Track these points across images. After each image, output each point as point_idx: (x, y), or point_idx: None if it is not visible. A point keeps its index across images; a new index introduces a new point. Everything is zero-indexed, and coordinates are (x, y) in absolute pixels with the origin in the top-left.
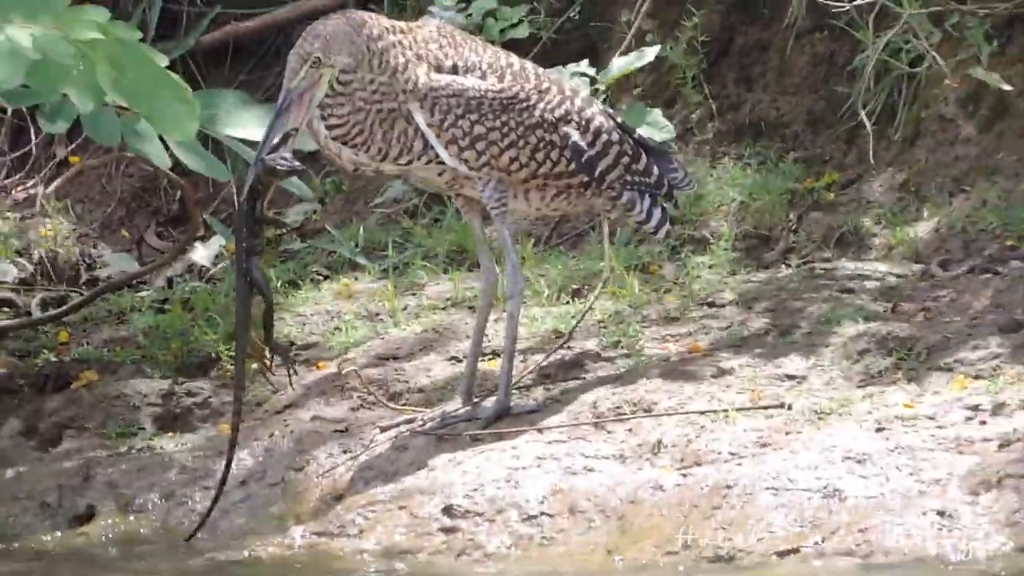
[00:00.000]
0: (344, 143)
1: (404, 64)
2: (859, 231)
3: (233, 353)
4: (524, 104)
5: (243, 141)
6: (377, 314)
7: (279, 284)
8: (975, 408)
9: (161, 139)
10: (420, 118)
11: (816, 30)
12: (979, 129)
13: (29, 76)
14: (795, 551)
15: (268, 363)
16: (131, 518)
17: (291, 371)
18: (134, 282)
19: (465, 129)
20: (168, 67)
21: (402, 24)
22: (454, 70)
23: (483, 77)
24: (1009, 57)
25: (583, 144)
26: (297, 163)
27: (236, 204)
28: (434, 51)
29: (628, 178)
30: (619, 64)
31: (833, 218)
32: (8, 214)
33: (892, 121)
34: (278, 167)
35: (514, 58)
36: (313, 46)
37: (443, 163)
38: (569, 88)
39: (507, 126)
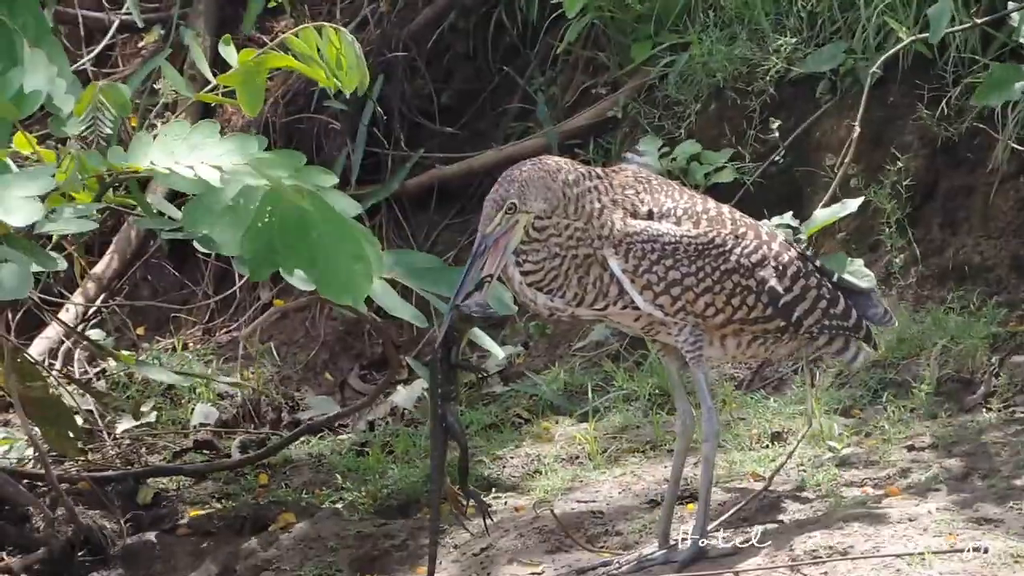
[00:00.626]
0: (539, 289)
1: (600, 210)
2: None
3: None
4: (720, 249)
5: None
6: (576, 457)
7: (480, 428)
8: None
9: None
10: (615, 264)
11: (1020, 174)
12: None
13: (217, 223)
14: None
15: (463, 508)
16: None
17: (486, 516)
18: (336, 425)
19: (660, 275)
20: (373, 208)
21: (598, 169)
22: (649, 216)
23: (679, 223)
24: None
25: (780, 289)
26: (492, 309)
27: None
28: (630, 196)
29: (826, 322)
30: (822, 215)
31: None
32: (211, 357)
33: None
34: (473, 314)
35: (711, 203)
36: (508, 192)
37: (639, 308)
38: (766, 232)
39: (703, 271)
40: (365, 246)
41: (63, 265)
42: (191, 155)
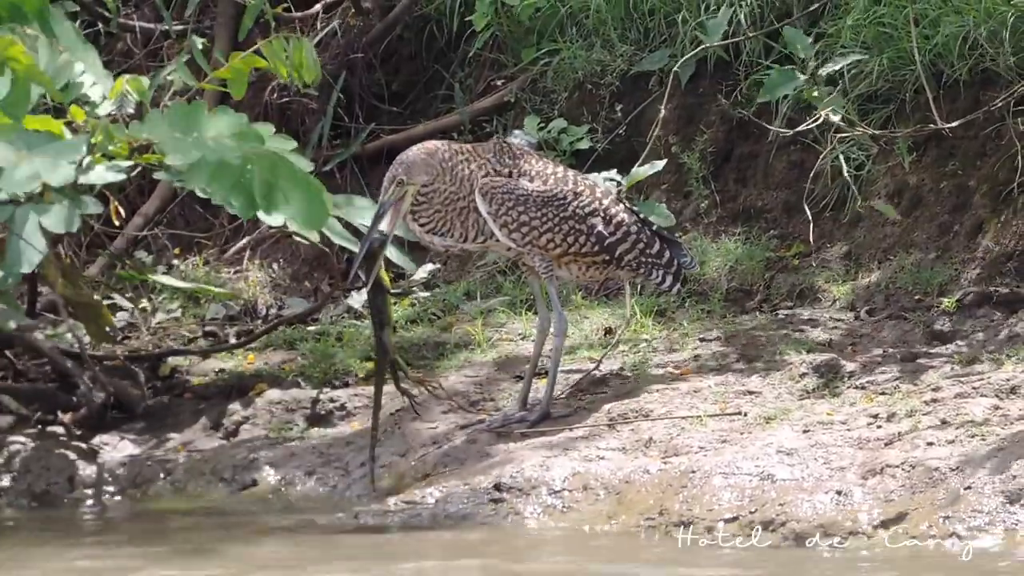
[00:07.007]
0: (434, 233)
1: (469, 173)
2: (814, 288)
3: (366, 374)
4: (560, 201)
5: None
6: (468, 344)
7: (406, 321)
8: (875, 416)
9: None
10: (483, 208)
11: (791, 143)
12: (901, 215)
13: (211, 179)
14: (736, 519)
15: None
16: (282, 488)
17: (412, 401)
18: (308, 319)
19: (514, 217)
20: (341, 164)
21: (465, 146)
22: (510, 175)
23: (532, 181)
24: (924, 164)
25: (606, 232)
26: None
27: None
28: (493, 162)
29: (643, 259)
30: (637, 172)
31: (796, 278)
32: (224, 270)
33: (843, 208)
34: (375, 244)
35: (560, 168)
36: (398, 171)
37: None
38: (601, 190)
39: (546, 216)
40: (318, 192)
41: (98, 208)
42: (188, 129)
